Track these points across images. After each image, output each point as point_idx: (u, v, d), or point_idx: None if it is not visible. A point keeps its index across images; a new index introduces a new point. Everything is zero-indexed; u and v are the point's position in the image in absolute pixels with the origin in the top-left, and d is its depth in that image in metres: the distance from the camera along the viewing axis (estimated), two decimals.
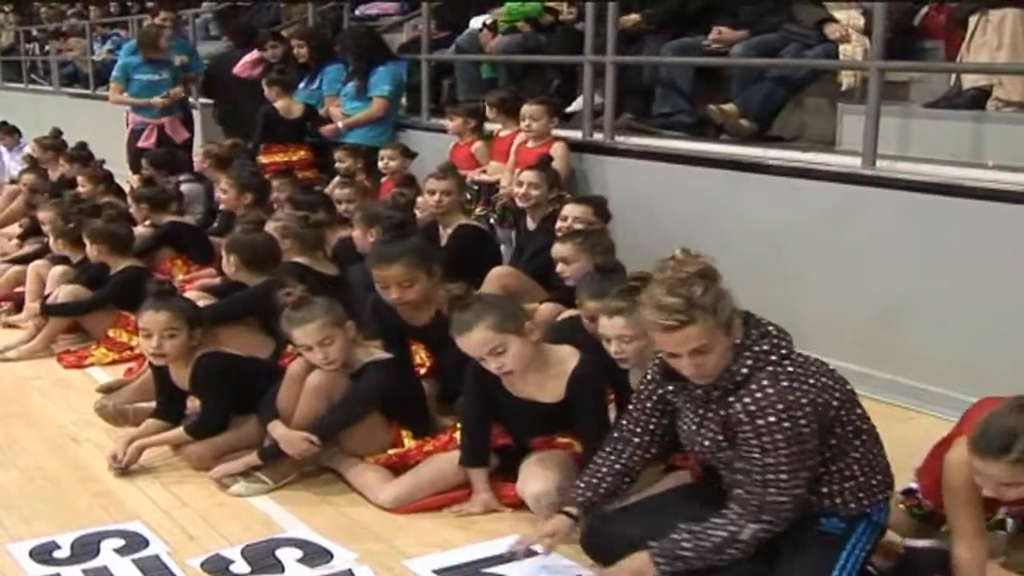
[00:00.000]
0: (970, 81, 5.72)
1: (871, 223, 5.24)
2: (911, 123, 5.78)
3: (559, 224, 5.46)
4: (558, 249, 5.00)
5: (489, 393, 3.92)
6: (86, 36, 14.82)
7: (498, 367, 3.74)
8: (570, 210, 5.47)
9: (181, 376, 4.47)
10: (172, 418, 4.53)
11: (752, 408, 2.93)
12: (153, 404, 4.69)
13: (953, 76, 5.94)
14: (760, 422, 2.91)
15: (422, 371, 4.73)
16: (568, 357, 3.82)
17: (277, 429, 4.17)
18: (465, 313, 3.75)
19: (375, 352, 4.34)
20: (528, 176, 6.06)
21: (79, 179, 8.26)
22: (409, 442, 4.23)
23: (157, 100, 9.36)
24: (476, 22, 8.67)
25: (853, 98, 6.17)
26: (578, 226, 5.31)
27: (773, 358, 2.99)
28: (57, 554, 3.69)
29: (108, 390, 5.18)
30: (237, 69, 9.39)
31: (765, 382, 2.94)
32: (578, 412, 3.81)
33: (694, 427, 3.17)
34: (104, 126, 10.79)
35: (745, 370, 2.97)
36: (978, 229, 4.82)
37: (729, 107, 6.45)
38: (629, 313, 3.63)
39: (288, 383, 4.25)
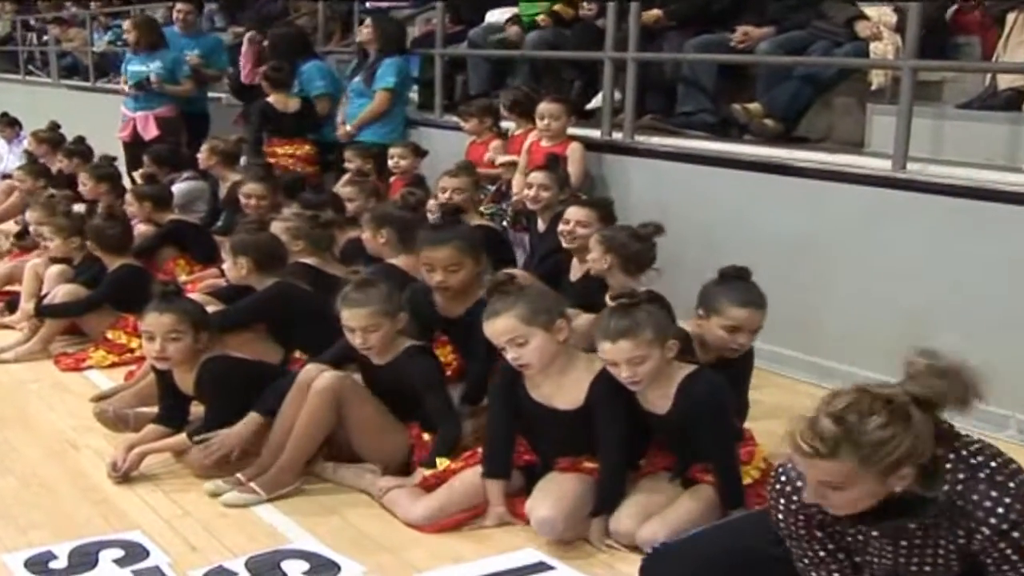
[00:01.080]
0: (1006, 81, 5.70)
1: (902, 228, 5.24)
2: (944, 124, 5.77)
3: (561, 227, 5.48)
4: (572, 211, 5.32)
5: (513, 398, 3.94)
6: (86, 26, 14.84)
7: (515, 358, 3.79)
8: (573, 213, 5.48)
9: (185, 380, 4.48)
10: (174, 424, 4.53)
11: (1004, 526, 2.59)
12: (154, 409, 4.69)
13: (988, 76, 5.92)
14: (1016, 534, 2.58)
15: (448, 372, 4.74)
16: (594, 363, 3.82)
17: (249, 424, 4.27)
18: (499, 299, 3.83)
19: (409, 339, 4.38)
20: (538, 178, 6.09)
21: (80, 177, 8.26)
22: (427, 436, 4.27)
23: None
24: (491, 16, 8.69)
25: (883, 98, 6.17)
26: (580, 230, 5.35)
27: (972, 462, 2.65)
28: (54, 565, 3.68)
29: (102, 398, 5.15)
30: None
31: (995, 493, 2.60)
32: (596, 420, 3.79)
33: (901, 559, 2.77)
34: (104, 120, 10.81)
35: (960, 486, 2.62)
36: (1014, 235, 4.82)
37: (754, 106, 6.46)
38: (635, 333, 3.59)
39: (298, 392, 4.25)
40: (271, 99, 8.51)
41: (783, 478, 2.80)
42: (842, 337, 5.54)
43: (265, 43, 9.19)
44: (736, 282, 4.09)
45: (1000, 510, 2.57)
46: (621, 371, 3.64)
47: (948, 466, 2.62)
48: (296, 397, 4.25)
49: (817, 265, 5.66)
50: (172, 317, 4.35)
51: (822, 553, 2.86)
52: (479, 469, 4.00)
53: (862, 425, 2.49)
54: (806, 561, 2.89)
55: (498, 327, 3.80)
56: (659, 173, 6.49)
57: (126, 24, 10.08)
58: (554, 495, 3.81)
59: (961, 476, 2.61)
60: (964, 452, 2.65)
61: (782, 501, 2.83)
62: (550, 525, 3.75)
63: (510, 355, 3.81)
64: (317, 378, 4.22)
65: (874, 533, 2.75)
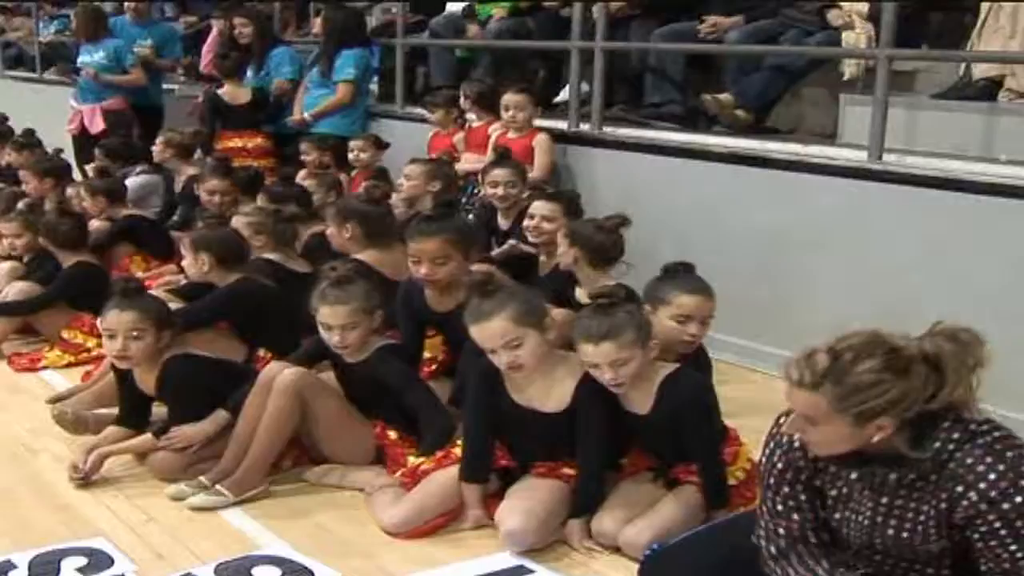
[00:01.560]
0: (981, 71, 5.71)
1: (878, 220, 5.24)
2: (918, 115, 5.78)
3: (526, 222, 5.44)
4: (537, 205, 5.29)
5: (492, 401, 3.85)
6: (32, 16, 14.63)
7: (511, 360, 3.67)
8: (538, 207, 5.43)
9: (147, 380, 4.38)
10: (135, 425, 4.44)
11: (992, 494, 2.53)
12: (114, 410, 4.59)
13: (963, 65, 5.92)
14: (1007, 506, 2.52)
15: (433, 367, 4.72)
16: (575, 363, 3.74)
17: (211, 422, 4.20)
18: (486, 301, 3.71)
19: (383, 338, 4.35)
20: (503, 175, 6.03)
21: (21, 175, 8.01)
22: (393, 434, 4.24)
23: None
24: (452, 6, 8.63)
25: (856, 88, 6.16)
26: (546, 225, 5.32)
27: (972, 427, 2.60)
28: (14, 575, 3.58)
29: (59, 399, 5.02)
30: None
31: (989, 459, 2.55)
32: (580, 424, 3.73)
33: (879, 519, 2.73)
34: (52, 112, 10.64)
35: (952, 445, 2.58)
36: (991, 227, 4.82)
37: (725, 97, 6.43)
38: (618, 335, 3.54)
39: (257, 388, 4.19)
40: (222, 91, 8.47)
41: (780, 420, 2.83)
42: (818, 331, 5.39)
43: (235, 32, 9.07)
44: (681, 273, 4.08)
45: (992, 476, 2.53)
46: (604, 373, 3.58)
47: (945, 425, 2.60)
48: (258, 396, 4.18)
49: (791, 258, 5.64)
50: (134, 315, 4.25)
51: (779, 507, 2.85)
52: (453, 471, 3.92)
53: (853, 366, 2.52)
54: (764, 508, 2.90)
55: (493, 330, 3.68)
56: (627, 165, 6.45)
57: (73, 12, 9.97)
58: (525, 504, 3.73)
59: (956, 436, 2.59)
60: (967, 417, 2.62)
61: (771, 444, 2.86)
62: (519, 538, 3.68)
63: (504, 358, 3.69)
64: (279, 375, 4.16)
65: (853, 475, 2.74)
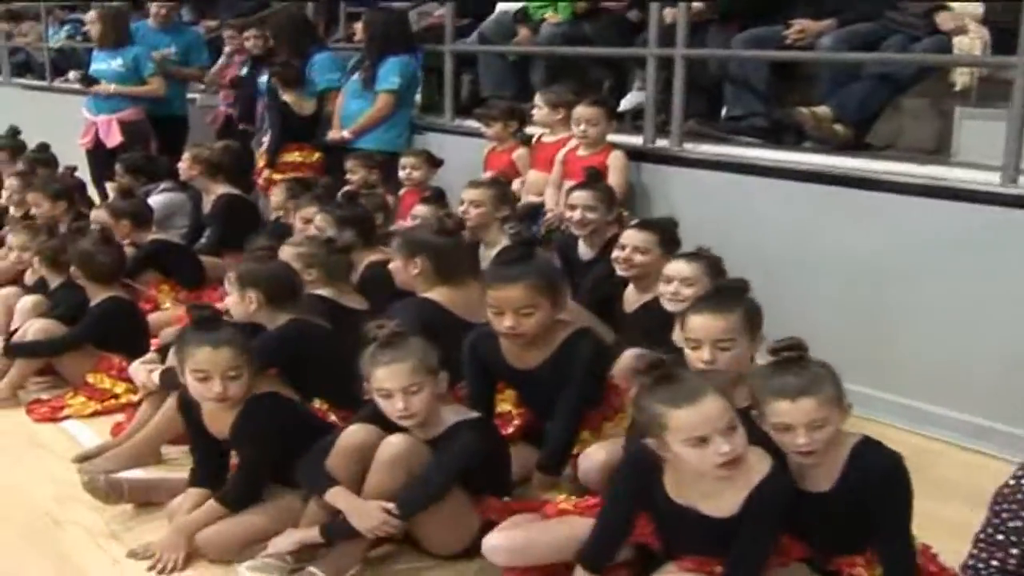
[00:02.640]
0: None
1: (1010, 251, 4.74)
2: None
3: (616, 253, 4.95)
4: (676, 268, 4.48)
5: (645, 495, 3.29)
6: (41, 20, 14.23)
7: (729, 450, 3.04)
8: (630, 237, 4.95)
9: (219, 422, 3.88)
10: (215, 482, 3.95)
11: None
12: (153, 474, 4.17)
13: None
14: None
15: (509, 430, 4.24)
16: (754, 462, 3.16)
17: (341, 497, 3.61)
18: (686, 380, 3.15)
19: (464, 411, 3.83)
20: (581, 198, 5.54)
21: (30, 198, 7.49)
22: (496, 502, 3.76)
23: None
24: (502, 7, 8.14)
25: (969, 100, 5.67)
26: (638, 257, 4.87)
27: None
28: None
29: (86, 458, 4.53)
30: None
31: None
32: (746, 531, 3.15)
33: None
34: (61, 123, 10.19)
35: None
36: None
37: (822, 110, 5.91)
38: (817, 391, 3.06)
39: (341, 456, 3.69)
40: (287, 99, 8.00)
41: None
42: (930, 375, 5.05)
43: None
44: (711, 294, 3.78)
45: None
46: (797, 437, 3.07)
47: None
48: (342, 461, 3.69)
49: (894, 291, 5.16)
50: (231, 351, 3.77)
51: (1000, 535, 2.77)
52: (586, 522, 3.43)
53: None
54: (981, 537, 2.84)
55: (711, 411, 3.05)
56: (711, 186, 5.95)
57: (88, 16, 9.45)
58: None
59: None
60: None
61: None
62: None
63: (724, 447, 3.03)
64: (383, 445, 3.65)
65: None
